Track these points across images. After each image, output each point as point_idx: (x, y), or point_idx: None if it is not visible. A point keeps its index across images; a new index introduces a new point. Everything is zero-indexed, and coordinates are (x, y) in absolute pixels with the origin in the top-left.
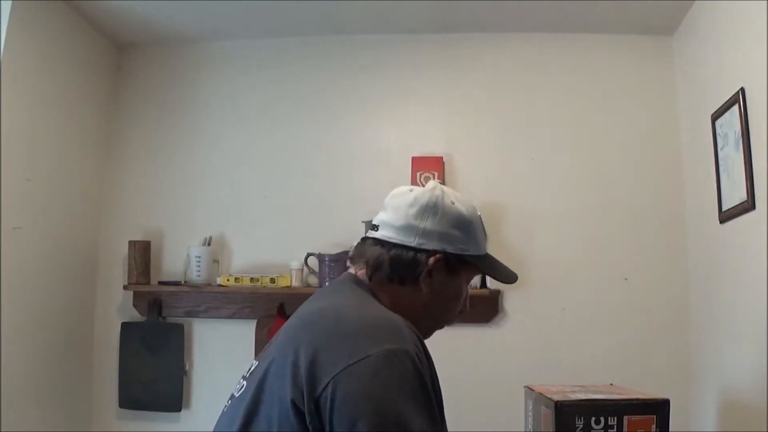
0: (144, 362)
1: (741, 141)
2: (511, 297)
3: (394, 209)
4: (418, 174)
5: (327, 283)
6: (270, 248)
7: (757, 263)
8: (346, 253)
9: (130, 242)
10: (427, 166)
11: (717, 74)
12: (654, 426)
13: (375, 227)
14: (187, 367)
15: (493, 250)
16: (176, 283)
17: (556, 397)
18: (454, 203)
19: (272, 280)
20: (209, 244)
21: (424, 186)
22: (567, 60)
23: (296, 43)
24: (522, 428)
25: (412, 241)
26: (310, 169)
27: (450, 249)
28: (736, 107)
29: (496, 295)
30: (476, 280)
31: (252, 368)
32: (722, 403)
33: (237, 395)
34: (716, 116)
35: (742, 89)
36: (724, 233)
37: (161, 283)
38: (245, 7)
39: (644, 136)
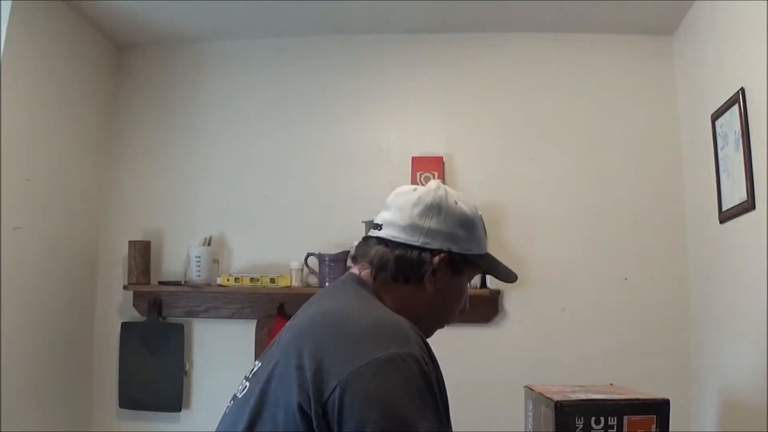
0: (144, 362)
1: (741, 141)
2: (511, 297)
3: (398, 208)
4: (418, 174)
5: (327, 283)
6: (270, 248)
7: (757, 263)
8: (346, 253)
9: (130, 242)
10: (427, 166)
11: (717, 74)
12: (654, 426)
13: (378, 226)
14: (187, 367)
15: (493, 250)
16: (176, 283)
17: (556, 397)
18: (457, 203)
19: (272, 280)
20: (209, 244)
21: (424, 186)
22: (567, 60)
23: (296, 43)
24: (522, 428)
25: (416, 241)
26: (310, 169)
27: (454, 248)
28: (736, 107)
29: (496, 295)
30: (476, 280)
31: (255, 369)
32: (722, 403)
33: (240, 396)
34: (716, 116)
35: (742, 89)
36: (724, 233)
37: (161, 283)
38: (245, 7)
39: (644, 136)
